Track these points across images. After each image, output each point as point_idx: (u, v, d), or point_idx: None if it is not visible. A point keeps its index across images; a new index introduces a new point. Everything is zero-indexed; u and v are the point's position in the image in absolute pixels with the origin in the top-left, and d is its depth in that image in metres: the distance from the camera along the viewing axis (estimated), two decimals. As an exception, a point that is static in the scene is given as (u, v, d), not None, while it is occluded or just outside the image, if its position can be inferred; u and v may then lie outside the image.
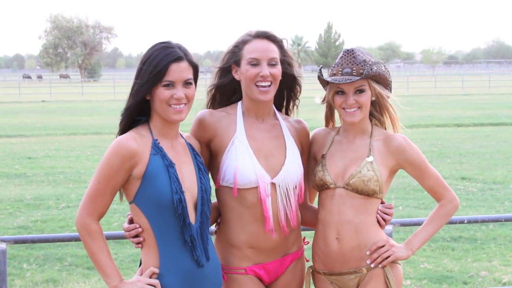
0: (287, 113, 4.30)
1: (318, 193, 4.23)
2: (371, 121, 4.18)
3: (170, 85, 3.70)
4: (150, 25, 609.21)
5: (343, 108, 4.05)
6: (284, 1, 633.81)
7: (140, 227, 3.72)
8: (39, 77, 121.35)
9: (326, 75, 4.12)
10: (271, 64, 4.01)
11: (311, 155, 4.28)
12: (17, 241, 5.67)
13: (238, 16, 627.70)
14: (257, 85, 3.98)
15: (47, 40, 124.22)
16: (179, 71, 3.71)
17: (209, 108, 4.18)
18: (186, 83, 3.74)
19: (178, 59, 3.72)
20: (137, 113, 3.78)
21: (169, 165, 3.68)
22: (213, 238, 4.07)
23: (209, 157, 4.10)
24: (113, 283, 3.68)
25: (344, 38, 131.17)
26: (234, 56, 4.05)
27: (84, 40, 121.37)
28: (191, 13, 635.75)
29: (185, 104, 3.74)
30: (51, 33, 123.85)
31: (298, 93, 4.29)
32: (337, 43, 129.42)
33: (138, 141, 3.68)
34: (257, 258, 4.04)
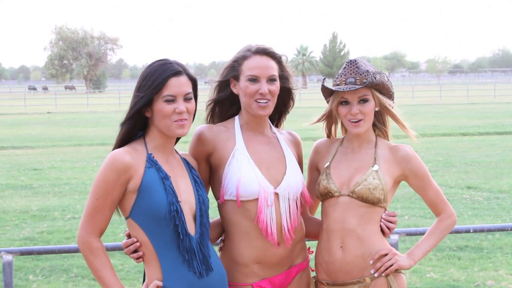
0: (277, 126, 4.32)
1: (320, 203, 4.24)
2: (374, 131, 4.19)
3: (172, 100, 3.72)
4: (155, 36, 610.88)
5: (349, 120, 4.07)
6: (289, 11, 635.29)
7: (137, 241, 3.73)
8: (45, 88, 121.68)
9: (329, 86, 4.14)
10: (270, 80, 4.02)
11: (313, 166, 4.30)
12: (23, 253, 5.68)
13: (243, 26, 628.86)
14: (256, 101, 4.00)
15: (52, 51, 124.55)
16: (179, 85, 3.74)
17: (208, 121, 4.20)
18: (187, 98, 3.76)
19: (177, 73, 3.75)
20: (135, 126, 3.79)
21: (164, 178, 3.69)
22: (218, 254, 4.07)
23: (209, 173, 4.11)
24: None
25: (349, 48, 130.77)
26: (233, 71, 4.06)
27: (89, 51, 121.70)
28: (196, 24, 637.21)
29: (187, 119, 3.76)
30: (57, 44, 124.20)
31: (291, 107, 4.31)
32: (342, 53, 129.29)
33: (132, 154, 3.70)
34: (263, 273, 4.03)
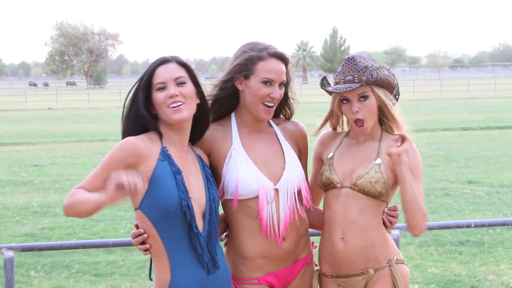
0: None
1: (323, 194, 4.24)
2: (381, 125, 4.18)
3: (163, 87, 3.73)
4: (156, 31, 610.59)
5: (352, 121, 4.06)
6: (290, 6, 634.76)
7: (145, 232, 3.73)
8: (45, 84, 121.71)
9: (331, 80, 4.13)
10: (281, 85, 4.04)
11: (317, 156, 4.29)
12: (24, 249, 5.68)
13: (244, 21, 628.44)
14: (264, 104, 4.00)
15: (53, 47, 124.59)
16: (167, 71, 3.75)
17: None
18: (179, 83, 3.76)
19: (163, 62, 3.78)
20: (139, 125, 3.80)
21: (177, 172, 3.69)
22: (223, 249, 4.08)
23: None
24: (102, 197, 3.48)
25: (349, 43, 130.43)
26: (245, 69, 4.02)
27: (90, 47, 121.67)
28: (196, 19, 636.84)
29: (183, 103, 3.75)
30: (57, 40, 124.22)
31: (291, 114, 4.28)
32: (342, 48, 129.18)
33: (146, 142, 3.70)
34: (269, 267, 4.05)
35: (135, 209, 3.75)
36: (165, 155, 3.71)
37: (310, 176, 4.34)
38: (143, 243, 3.76)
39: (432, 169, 18.35)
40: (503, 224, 6.39)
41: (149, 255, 3.81)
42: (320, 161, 4.28)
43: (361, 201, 4.04)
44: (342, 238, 4.05)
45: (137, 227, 3.79)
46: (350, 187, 4.05)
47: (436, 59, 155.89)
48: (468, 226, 6.10)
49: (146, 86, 3.75)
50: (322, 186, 4.16)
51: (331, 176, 4.09)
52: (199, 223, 3.73)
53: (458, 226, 6.17)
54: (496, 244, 10.83)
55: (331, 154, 4.18)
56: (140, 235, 3.75)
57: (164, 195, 3.64)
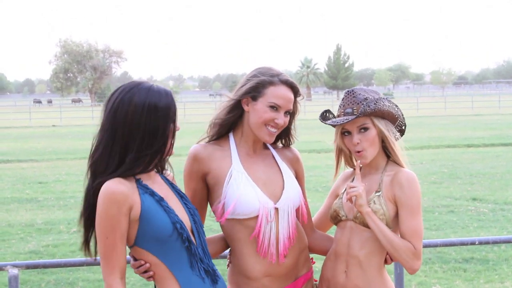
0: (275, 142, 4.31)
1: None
2: (389, 157, 4.17)
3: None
4: (160, 48, 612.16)
5: (353, 150, 4.08)
6: (294, 23, 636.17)
7: (145, 263, 3.68)
8: (49, 101, 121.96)
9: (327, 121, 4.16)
10: (287, 113, 4.06)
11: (333, 191, 4.34)
12: (29, 266, 5.68)
13: (248, 38, 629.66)
14: (267, 128, 4.03)
15: (57, 64, 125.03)
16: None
17: (207, 137, 4.19)
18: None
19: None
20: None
21: (160, 200, 3.66)
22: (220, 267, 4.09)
23: (207, 192, 4.11)
24: None
25: (353, 59, 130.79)
26: (254, 91, 4.04)
27: (94, 64, 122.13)
28: (200, 36, 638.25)
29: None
30: (61, 57, 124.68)
31: (290, 144, 4.31)
32: (346, 65, 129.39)
33: (125, 183, 3.62)
34: (273, 286, 4.06)
35: (131, 247, 3.70)
36: (143, 187, 3.66)
37: (321, 207, 4.43)
38: (145, 271, 3.74)
39: (436, 186, 18.33)
40: (508, 241, 6.36)
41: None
42: (335, 196, 4.31)
43: (364, 234, 4.05)
44: (345, 271, 4.07)
45: (134, 258, 3.75)
46: (353, 220, 4.08)
47: (440, 76, 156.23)
48: (473, 243, 6.09)
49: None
50: (331, 219, 4.21)
51: (337, 209, 4.14)
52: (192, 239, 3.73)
53: (463, 243, 6.16)
54: (500, 262, 10.81)
55: (343, 190, 4.22)
56: (140, 265, 3.72)
57: (158, 225, 3.60)
